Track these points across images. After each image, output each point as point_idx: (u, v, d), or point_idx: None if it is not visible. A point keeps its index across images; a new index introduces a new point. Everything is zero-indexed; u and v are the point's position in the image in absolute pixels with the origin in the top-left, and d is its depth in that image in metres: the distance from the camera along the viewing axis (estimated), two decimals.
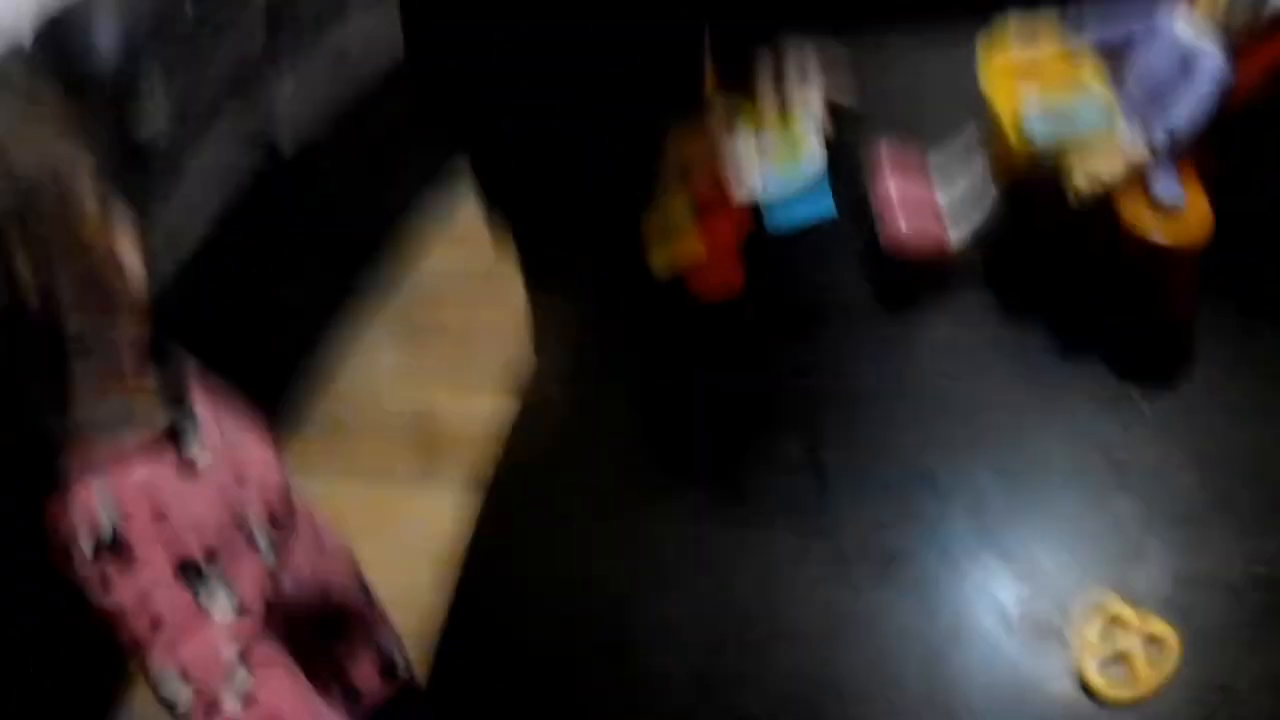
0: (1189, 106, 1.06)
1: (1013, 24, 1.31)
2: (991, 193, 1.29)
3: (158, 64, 2.64)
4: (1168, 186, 1.13)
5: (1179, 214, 1.13)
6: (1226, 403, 1.21)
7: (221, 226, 2.54)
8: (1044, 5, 1.33)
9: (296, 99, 2.85)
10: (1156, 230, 1.14)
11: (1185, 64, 1.08)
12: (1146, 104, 1.12)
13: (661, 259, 1.36)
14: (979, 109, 1.28)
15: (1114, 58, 1.21)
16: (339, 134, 2.84)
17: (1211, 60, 1.06)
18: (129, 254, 0.85)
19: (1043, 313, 1.30)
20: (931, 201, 1.33)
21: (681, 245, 1.36)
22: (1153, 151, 1.12)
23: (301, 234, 2.78)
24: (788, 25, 1.47)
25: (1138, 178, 1.14)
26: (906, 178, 1.37)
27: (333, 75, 2.92)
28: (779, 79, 1.41)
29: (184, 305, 2.03)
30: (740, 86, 1.43)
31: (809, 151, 1.38)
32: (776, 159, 1.38)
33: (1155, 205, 1.14)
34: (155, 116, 2.62)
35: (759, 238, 1.39)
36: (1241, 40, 1.07)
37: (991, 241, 1.33)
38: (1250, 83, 1.07)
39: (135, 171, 2.45)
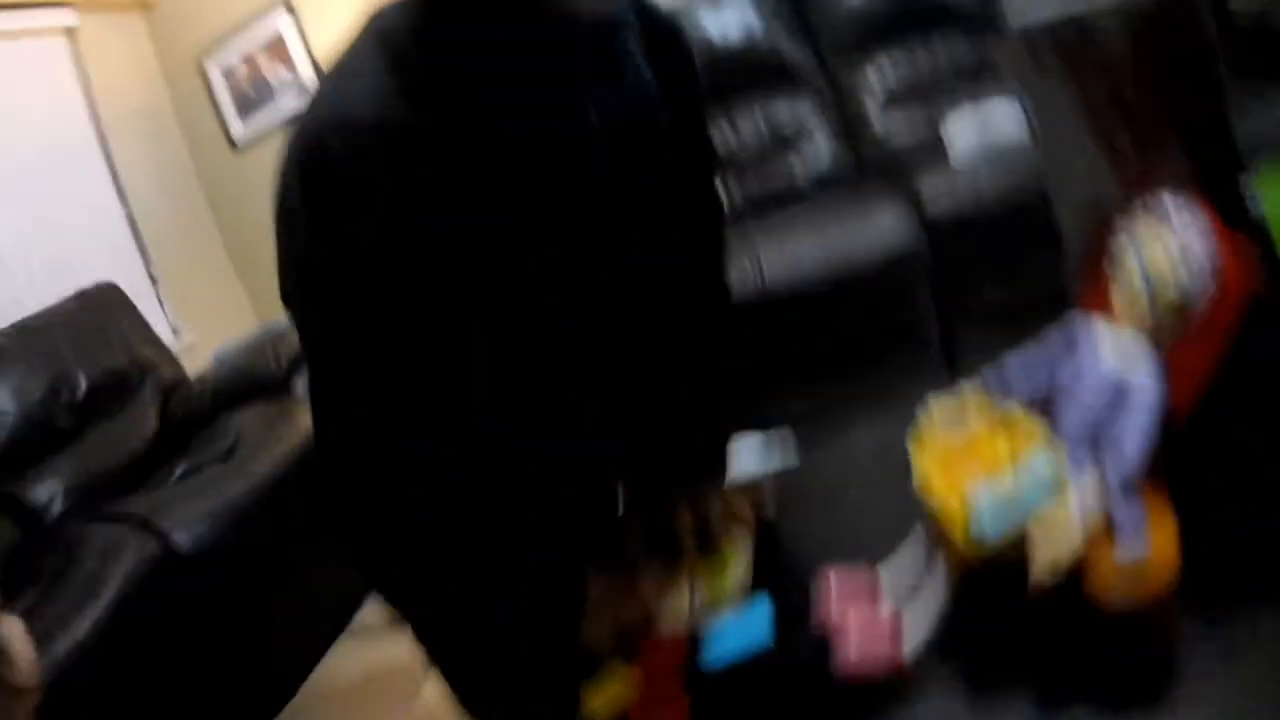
0: (1131, 443, 1.03)
1: (936, 407, 1.29)
2: (944, 594, 1.25)
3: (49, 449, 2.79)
4: (1130, 543, 1.09)
5: (1146, 564, 1.09)
6: None
7: (116, 614, 2.55)
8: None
9: (191, 492, 3.02)
10: (1126, 588, 1.10)
11: (1119, 395, 1.06)
12: (1089, 448, 1.10)
13: (597, 704, 1.26)
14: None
15: (1047, 406, 1.19)
16: (238, 532, 2.92)
17: (1144, 388, 1.03)
18: (19, 642, 0.85)
19: (1012, 701, 1.24)
20: (882, 621, 1.28)
21: (615, 688, 1.27)
22: (1107, 505, 1.09)
23: (198, 629, 2.77)
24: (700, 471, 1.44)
25: (1098, 537, 1.11)
26: (853, 599, 1.31)
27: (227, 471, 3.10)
28: (701, 516, 1.39)
29: (75, 691, 2.19)
30: (662, 527, 1.39)
31: (740, 581, 1.33)
32: (706, 591, 1.33)
33: (1120, 563, 1.10)
34: (49, 501, 3.08)
35: (698, 672, 1.28)
36: (1171, 349, 1.06)
37: (949, 641, 1.28)
38: (1187, 396, 1.06)
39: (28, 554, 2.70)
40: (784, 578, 1.33)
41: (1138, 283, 1.03)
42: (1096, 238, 1.14)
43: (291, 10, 5.13)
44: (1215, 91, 1.15)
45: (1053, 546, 1.06)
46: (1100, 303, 1.12)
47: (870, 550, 1.32)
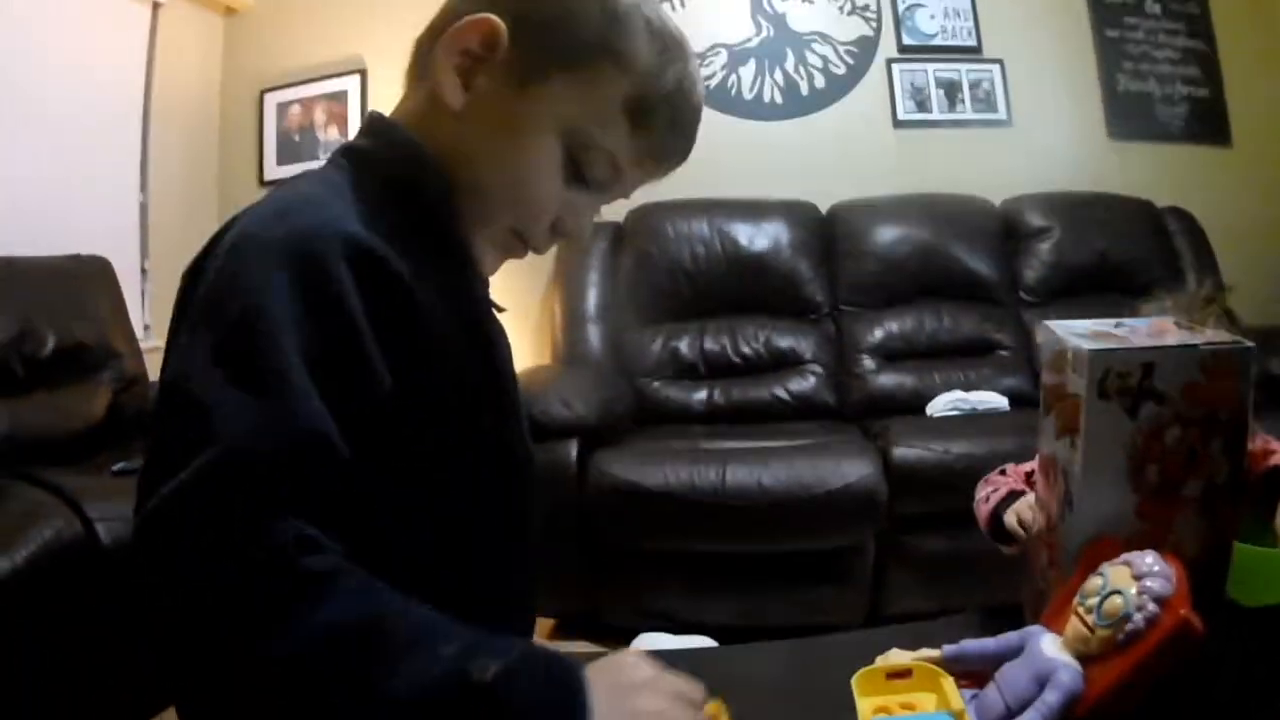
0: (1033, 716, 1.09)
1: (894, 650, 1.35)
2: None
3: None
4: None
5: None
6: None
7: (20, 579, 2.51)
8: None
9: (125, 492, 2.91)
10: None
11: (1044, 677, 1.12)
12: (1003, 718, 1.15)
13: None
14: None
15: (982, 673, 1.24)
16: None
17: (1068, 673, 1.10)
18: None
19: None
20: None
21: None
22: None
23: (92, 624, 2.73)
24: None
25: None
26: None
27: None
28: None
29: None
30: None
31: None
32: None
33: None
34: None
35: None
36: (1099, 655, 1.11)
37: None
38: (1099, 691, 1.11)
39: None
40: None
41: (1091, 619, 1.09)
42: (1088, 557, 1.20)
43: (364, 78, 5.22)
44: (1236, 460, 1.22)
45: None
46: (1056, 620, 1.17)
47: None
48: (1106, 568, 1.12)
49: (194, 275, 1.01)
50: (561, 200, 1.16)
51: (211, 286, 0.95)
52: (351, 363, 0.95)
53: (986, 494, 1.70)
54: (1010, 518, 1.59)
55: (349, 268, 0.95)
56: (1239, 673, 1.05)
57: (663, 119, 1.16)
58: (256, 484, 0.87)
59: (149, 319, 4.70)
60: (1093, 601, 1.10)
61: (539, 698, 0.90)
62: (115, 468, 3.28)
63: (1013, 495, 1.64)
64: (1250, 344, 1.20)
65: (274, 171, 5.35)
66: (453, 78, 1.11)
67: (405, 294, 1.01)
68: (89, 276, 4.03)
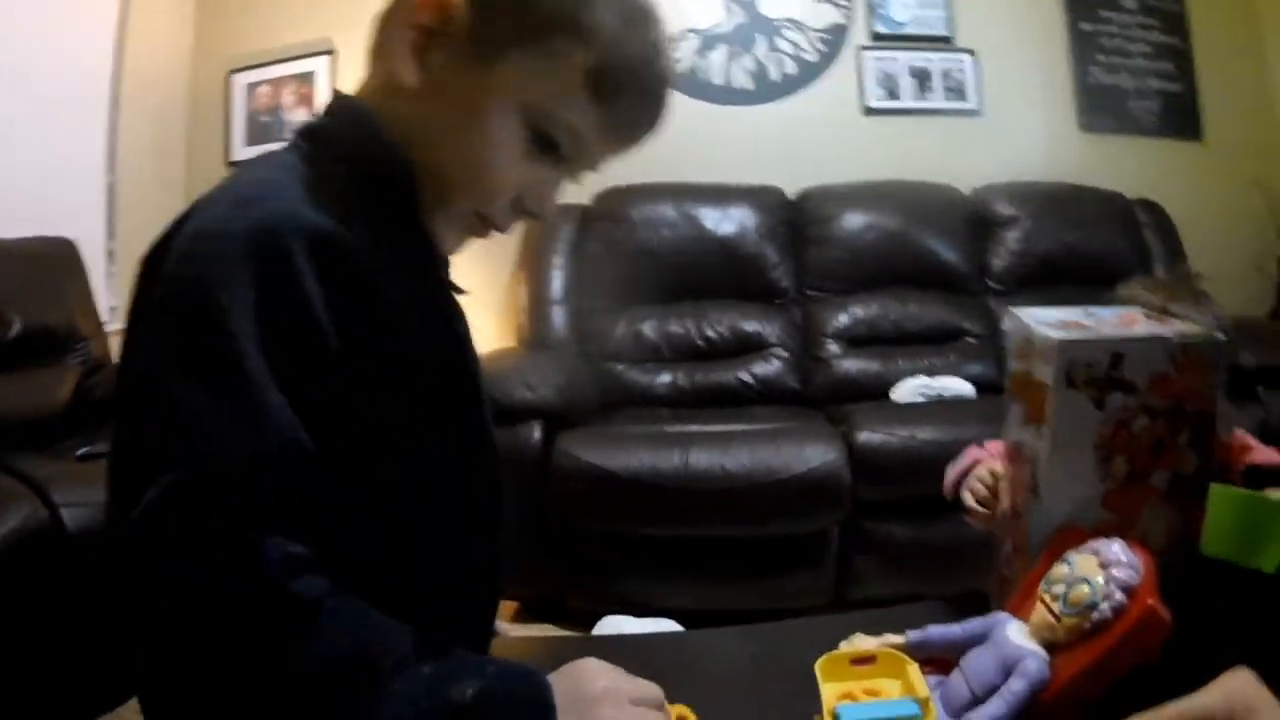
0: (999, 704, 1.09)
1: (858, 635, 1.35)
2: None
3: None
4: None
5: None
6: None
7: None
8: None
9: (90, 477, 2.84)
10: None
11: (1010, 665, 1.12)
12: (968, 705, 1.15)
13: None
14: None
15: (947, 660, 1.24)
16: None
17: (1034, 661, 1.10)
18: None
19: None
20: None
21: None
22: None
23: (58, 613, 2.70)
24: None
25: None
26: None
27: None
28: None
29: None
30: None
31: None
32: None
33: None
34: None
35: None
36: (1065, 643, 1.11)
37: None
38: (1065, 680, 1.11)
39: None
40: None
41: (1057, 607, 1.09)
42: (1054, 545, 1.20)
43: (334, 60, 5.18)
44: (1204, 452, 1.22)
45: None
46: (1022, 607, 1.17)
47: None
48: (1073, 555, 1.12)
49: (152, 263, 0.98)
50: (523, 178, 1.12)
51: (176, 281, 0.93)
52: (314, 358, 0.93)
53: (955, 464, 1.71)
54: (967, 496, 1.60)
55: (310, 259, 0.93)
56: (1211, 660, 1.04)
57: (628, 91, 1.12)
58: (238, 500, 0.86)
59: (115, 301, 4.66)
60: (1059, 589, 1.10)
61: (513, 714, 0.93)
62: (80, 452, 3.24)
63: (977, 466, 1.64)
64: (1222, 337, 1.20)
65: (241, 152, 5.30)
66: (407, 55, 1.08)
67: (366, 280, 0.99)
68: (55, 259, 3.99)
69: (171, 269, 0.93)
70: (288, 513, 0.88)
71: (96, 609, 2.74)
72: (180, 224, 0.99)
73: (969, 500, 1.60)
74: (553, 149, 1.11)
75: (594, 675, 1.00)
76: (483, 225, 1.16)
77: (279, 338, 0.90)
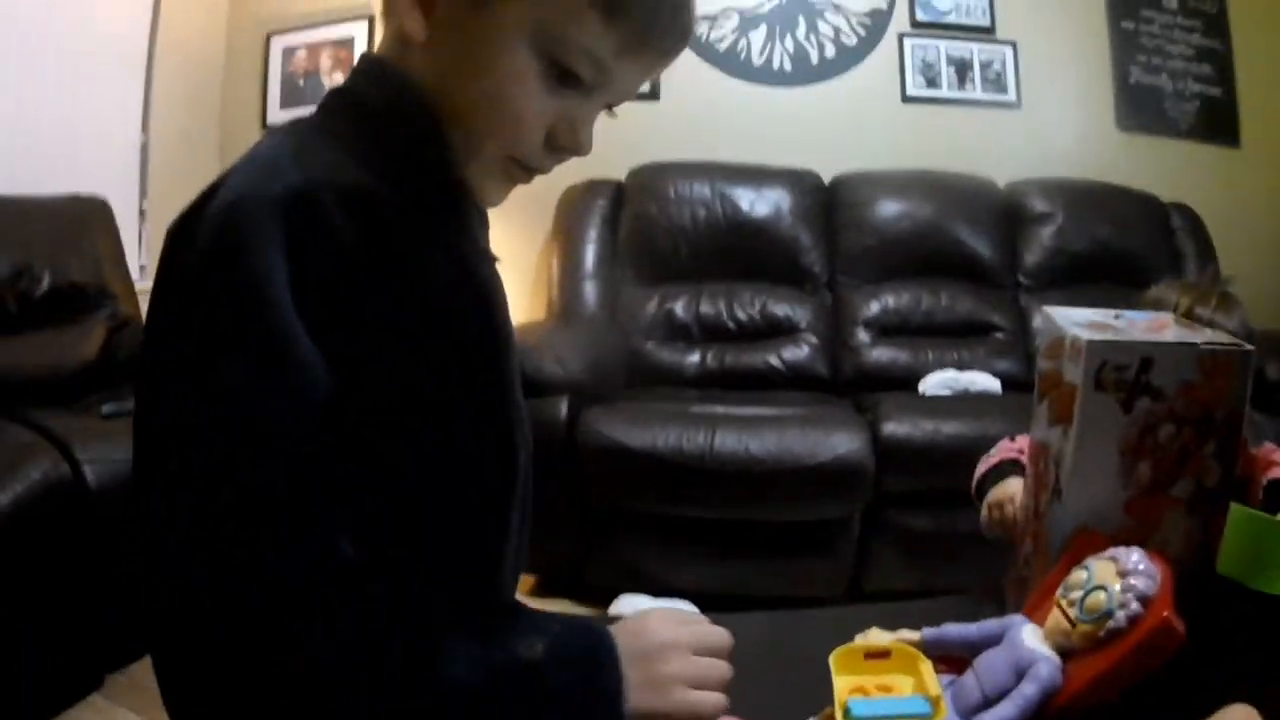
0: (1010, 707, 1.09)
1: (874, 629, 1.34)
2: None
3: None
4: None
5: None
6: None
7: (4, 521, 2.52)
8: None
9: (113, 434, 2.95)
10: None
11: (1022, 668, 1.12)
12: (979, 706, 1.15)
13: None
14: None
15: (961, 659, 1.24)
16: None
17: (1047, 665, 1.10)
18: None
19: None
20: None
21: None
22: None
23: (79, 567, 2.75)
24: None
25: None
26: None
27: None
28: None
29: None
30: None
31: None
32: None
33: None
34: None
35: None
36: (1078, 649, 1.11)
37: None
38: (1077, 686, 1.11)
39: None
40: None
41: (1073, 613, 1.09)
42: (1073, 550, 1.20)
43: (371, 25, 5.18)
44: (1228, 463, 1.22)
45: None
46: (1038, 611, 1.17)
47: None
48: (1092, 562, 1.12)
49: (180, 233, 0.97)
50: (551, 112, 1.08)
51: (209, 249, 0.92)
52: (345, 322, 0.92)
53: (987, 458, 1.71)
54: (984, 513, 1.61)
55: (346, 221, 0.92)
56: (1217, 673, 1.05)
57: (638, 2, 1.05)
58: (281, 467, 0.86)
59: (145, 260, 4.69)
60: (1076, 595, 1.09)
61: (580, 671, 0.93)
62: (105, 409, 3.28)
63: (1006, 464, 1.64)
64: (1249, 347, 1.20)
65: (277, 115, 5.31)
66: (411, 7, 1.05)
67: (401, 245, 0.98)
68: (87, 216, 4.01)
69: (204, 238, 0.92)
70: (328, 481, 0.89)
71: (114, 564, 2.79)
72: (210, 195, 0.97)
73: (985, 515, 1.61)
74: (574, 80, 1.06)
75: (657, 628, 1.00)
76: (520, 169, 1.12)
77: (312, 304, 0.90)
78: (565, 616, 1.01)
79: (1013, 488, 1.58)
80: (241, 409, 0.87)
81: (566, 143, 1.10)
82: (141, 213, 4.74)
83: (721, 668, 1.00)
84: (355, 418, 0.93)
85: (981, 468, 1.71)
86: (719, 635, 1.03)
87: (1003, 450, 1.70)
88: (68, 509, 2.69)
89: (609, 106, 1.13)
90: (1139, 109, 5.15)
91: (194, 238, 0.93)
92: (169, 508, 0.87)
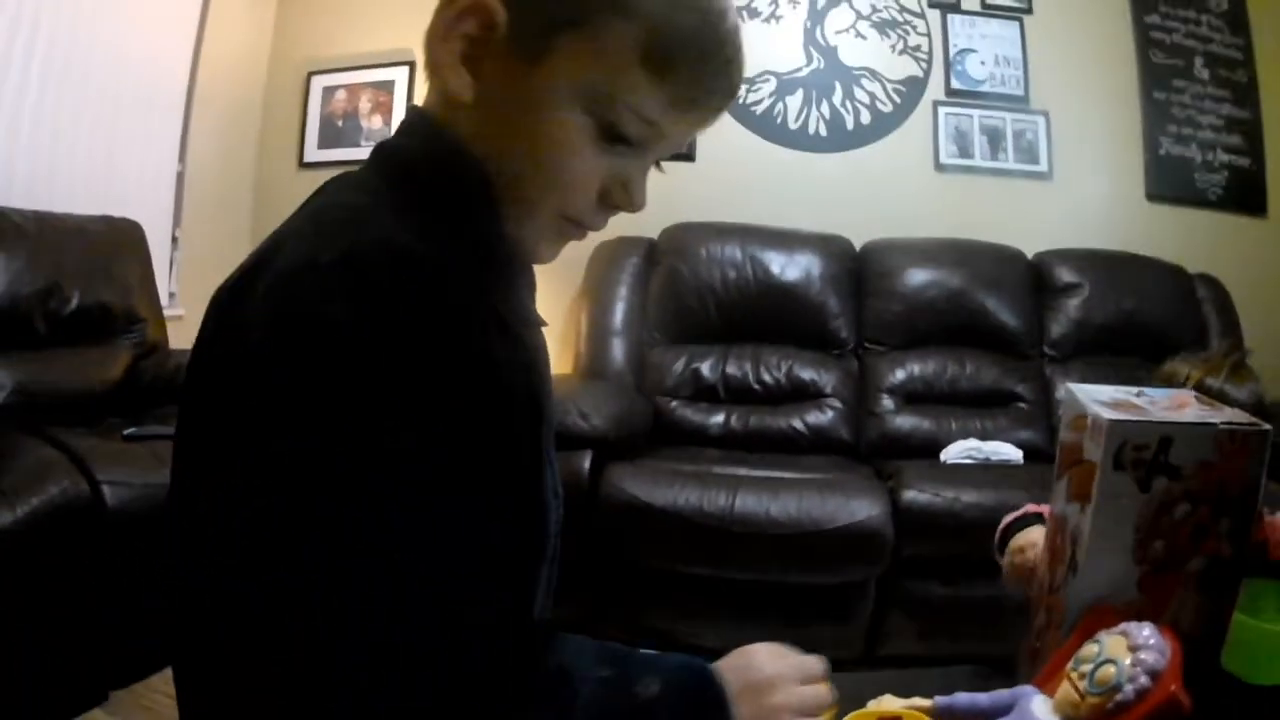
0: None
1: (887, 695, 1.36)
2: None
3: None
4: None
5: None
6: None
7: (19, 535, 2.54)
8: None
9: (133, 456, 2.98)
10: None
11: None
12: None
13: None
14: None
15: None
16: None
17: None
18: None
19: None
20: None
21: None
22: None
23: (92, 586, 2.76)
24: None
25: None
26: None
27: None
28: None
29: None
30: None
31: None
32: None
33: None
34: None
35: None
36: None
37: None
38: None
39: None
40: None
41: (1083, 685, 1.10)
42: (1086, 623, 1.21)
43: (412, 71, 5.25)
44: (1240, 539, 1.23)
45: None
46: (1049, 683, 1.19)
47: None
48: (1103, 636, 1.13)
49: (229, 303, 0.95)
50: (603, 171, 1.07)
51: (278, 331, 0.88)
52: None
53: (1008, 517, 1.72)
54: (1005, 561, 1.62)
55: (411, 289, 0.90)
56: None
57: (687, 60, 1.03)
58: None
59: (174, 287, 4.74)
60: (1086, 668, 1.11)
61: (695, 708, 0.97)
62: (127, 432, 3.31)
63: (1030, 516, 1.66)
64: (1266, 426, 1.21)
65: (314, 154, 5.38)
66: (458, 68, 1.03)
67: (464, 313, 0.95)
68: (120, 239, 4.06)
69: (266, 314, 0.89)
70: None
71: (126, 582, 2.80)
72: (260, 262, 0.95)
73: (1005, 562, 1.62)
74: (624, 138, 1.05)
75: (763, 662, 1.04)
76: (574, 227, 1.12)
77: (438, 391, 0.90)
78: (671, 655, 1.03)
79: (1035, 535, 1.59)
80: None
81: (619, 200, 1.10)
82: (174, 239, 4.79)
83: (823, 693, 1.05)
84: None
85: (1005, 521, 1.72)
86: (817, 664, 1.08)
87: (1026, 508, 1.71)
88: (84, 526, 2.72)
89: (657, 162, 1.13)
90: (1168, 179, 5.17)
91: (241, 309, 0.92)
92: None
